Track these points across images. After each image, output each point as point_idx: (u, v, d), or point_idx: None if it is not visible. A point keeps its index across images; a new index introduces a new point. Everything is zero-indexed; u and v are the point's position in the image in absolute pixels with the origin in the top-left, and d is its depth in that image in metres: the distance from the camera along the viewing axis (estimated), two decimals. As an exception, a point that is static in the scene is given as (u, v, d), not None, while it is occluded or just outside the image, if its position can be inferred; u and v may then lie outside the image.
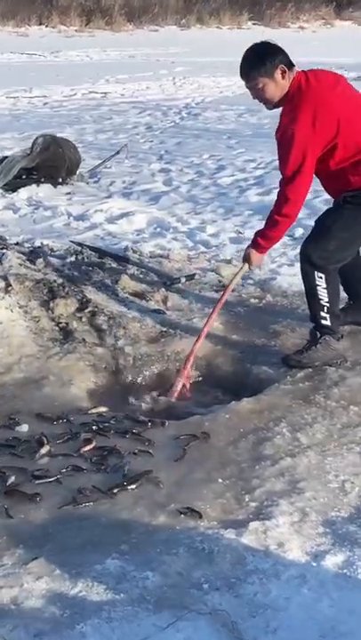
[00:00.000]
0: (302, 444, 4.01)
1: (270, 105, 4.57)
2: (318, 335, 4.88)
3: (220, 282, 6.23)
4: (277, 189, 4.65)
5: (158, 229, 7.76)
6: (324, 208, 7.89)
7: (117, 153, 10.61)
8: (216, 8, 35.72)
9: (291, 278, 6.32)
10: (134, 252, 6.79)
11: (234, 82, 19.67)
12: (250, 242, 4.87)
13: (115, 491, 3.65)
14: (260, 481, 3.71)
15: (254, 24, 36.35)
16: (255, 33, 33.74)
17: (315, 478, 3.73)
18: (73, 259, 6.30)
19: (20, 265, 5.62)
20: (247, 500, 3.58)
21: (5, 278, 5.38)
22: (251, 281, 6.27)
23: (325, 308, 4.81)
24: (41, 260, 5.88)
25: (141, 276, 6.22)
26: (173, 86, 19.40)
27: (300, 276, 6.12)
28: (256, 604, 2.95)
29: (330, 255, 4.75)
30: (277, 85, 4.37)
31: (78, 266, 6.09)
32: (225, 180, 9.90)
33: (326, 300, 4.80)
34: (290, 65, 4.41)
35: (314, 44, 31.08)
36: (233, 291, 5.32)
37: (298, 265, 6.30)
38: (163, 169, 10.57)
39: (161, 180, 9.92)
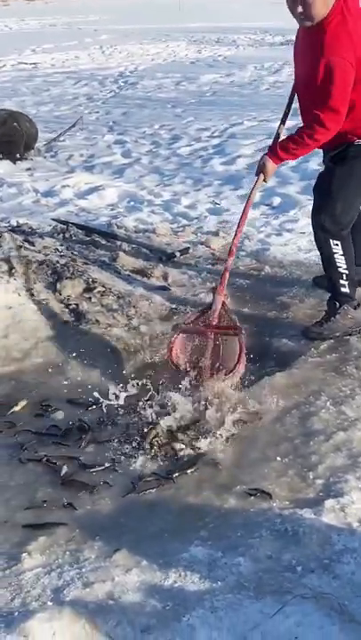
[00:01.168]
0: (349, 416, 3.97)
1: (309, 23, 4.29)
2: (337, 305, 4.83)
3: (213, 255, 6.15)
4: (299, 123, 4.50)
5: (132, 203, 7.64)
6: (295, 177, 7.96)
7: (73, 126, 10.41)
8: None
9: (283, 248, 6.29)
10: (119, 227, 6.65)
11: (162, 49, 19.55)
12: (266, 151, 4.66)
13: (175, 475, 3.55)
14: (319, 457, 3.67)
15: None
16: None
17: (373, 451, 3.69)
18: (61, 237, 6.10)
19: (20, 247, 5.42)
20: (312, 477, 3.53)
21: (8, 261, 5.19)
22: (243, 252, 6.21)
23: (344, 275, 4.79)
24: (40, 240, 5.68)
25: (134, 252, 6.10)
26: (103, 55, 19.12)
27: (291, 246, 6.17)
28: (357, 584, 2.92)
29: (339, 219, 4.72)
30: (325, 2, 4.21)
31: (72, 245, 5.92)
32: (184, 149, 9.80)
33: (345, 267, 4.77)
34: None
35: (235, 7, 31.01)
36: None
37: (286, 234, 6.38)
38: (117, 140, 10.41)
39: (119, 152, 9.78)
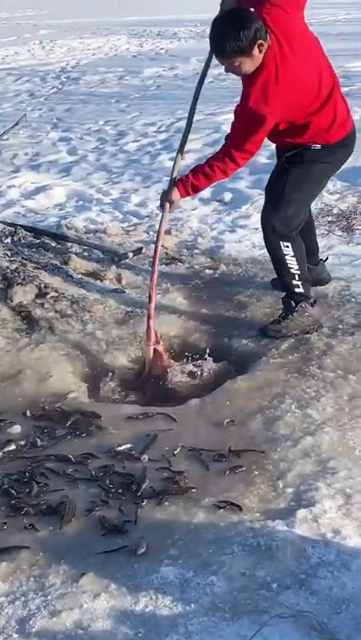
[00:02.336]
0: (316, 420, 3.87)
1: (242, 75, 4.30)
2: (293, 303, 4.74)
3: (166, 254, 6.01)
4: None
5: (81, 202, 7.47)
6: (244, 172, 7.85)
7: (17, 124, 10.16)
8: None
9: (237, 245, 6.19)
10: (68, 228, 6.48)
11: (103, 43, 19.34)
12: (172, 182, 4.58)
13: (140, 491, 3.41)
14: (288, 464, 3.56)
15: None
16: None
17: (342, 456, 3.61)
18: (9, 240, 5.92)
19: (-34, 252, 5.24)
20: (282, 485, 3.43)
21: None
22: (197, 250, 6.10)
23: (297, 275, 4.71)
24: (-12, 245, 5.51)
25: (86, 253, 5.96)
26: (43, 50, 18.83)
27: (245, 242, 6.07)
28: (336, 600, 2.82)
29: (290, 221, 4.65)
30: (254, 60, 4.11)
31: (21, 248, 5.73)
32: (131, 145, 9.64)
33: (296, 267, 4.70)
34: (265, 34, 4.09)
35: (172, 1, 30.84)
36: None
37: (240, 230, 6.27)
38: (62, 138, 10.21)
39: (65, 150, 9.58)
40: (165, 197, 4.58)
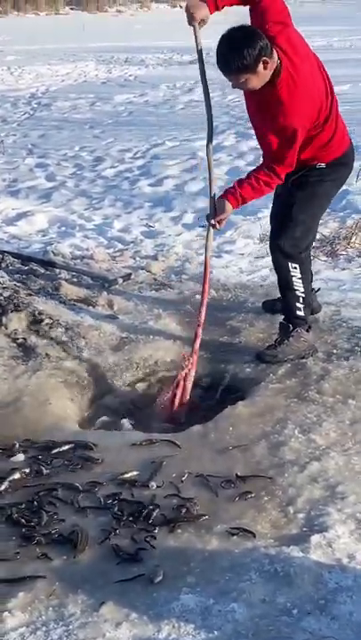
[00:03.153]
0: (320, 445, 3.90)
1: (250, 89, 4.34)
2: (290, 328, 4.78)
3: (155, 280, 6.04)
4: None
5: (63, 228, 7.47)
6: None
7: (-7, 150, 10.14)
8: (32, -6, 35.01)
9: (225, 270, 6.23)
10: (55, 254, 6.47)
11: (72, 69, 19.41)
12: (223, 193, 4.52)
13: (151, 518, 3.40)
14: (297, 489, 3.57)
15: (72, 9, 35.88)
16: (74, 18, 33.45)
17: (350, 480, 3.63)
18: (-2, 268, 5.91)
19: None
20: (292, 511, 3.43)
21: None
22: (186, 276, 6.13)
23: (301, 298, 4.77)
24: (-20, 272, 5.49)
25: (75, 280, 5.95)
26: (12, 76, 18.84)
27: (233, 268, 6.12)
28: (357, 625, 2.83)
29: (298, 242, 4.72)
30: (260, 77, 4.17)
31: (12, 275, 5.72)
32: (108, 171, 9.68)
33: (302, 290, 4.76)
34: (270, 51, 4.15)
35: (137, 27, 31.09)
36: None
37: (226, 256, 6.32)
38: (39, 164, 10.22)
39: (43, 176, 9.58)
40: (218, 212, 4.50)
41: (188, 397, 4.50)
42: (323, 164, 4.53)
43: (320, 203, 4.72)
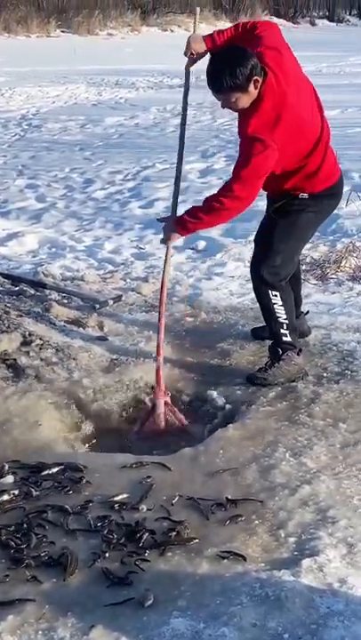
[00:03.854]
0: (311, 468, 3.89)
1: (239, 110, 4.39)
2: (280, 352, 4.78)
3: (145, 302, 6.04)
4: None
5: (54, 249, 7.48)
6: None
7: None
8: (23, 16, 35.10)
9: (215, 293, 6.24)
10: (45, 275, 6.47)
11: (62, 91, 19.46)
12: (172, 218, 4.61)
13: (141, 541, 3.38)
14: (287, 513, 3.56)
15: (63, 32, 36.02)
16: (65, 41, 33.58)
17: (341, 504, 3.62)
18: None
19: None
20: (283, 535, 3.42)
21: None
22: (176, 298, 6.12)
23: (285, 324, 4.76)
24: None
25: (65, 301, 5.95)
26: (2, 97, 18.84)
27: (223, 291, 6.12)
28: (350, 650, 2.79)
29: (279, 270, 4.70)
30: (250, 96, 4.22)
31: (2, 295, 5.71)
32: (99, 193, 9.68)
33: (285, 316, 4.75)
34: (261, 70, 4.21)
35: (127, 51, 31.20)
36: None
37: (216, 278, 6.33)
38: (29, 185, 10.21)
39: (33, 197, 9.58)
40: (164, 233, 4.66)
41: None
42: (305, 195, 4.54)
43: (301, 233, 4.73)
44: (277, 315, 4.74)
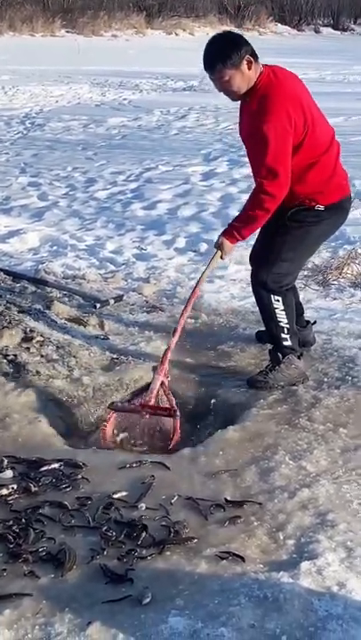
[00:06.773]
0: (310, 472, 3.89)
1: (236, 97, 4.41)
2: (280, 355, 4.78)
3: (146, 302, 6.03)
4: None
5: (55, 247, 7.47)
6: (217, 223, 7.92)
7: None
8: (28, 15, 35.11)
9: (216, 295, 6.23)
10: (47, 272, 6.46)
11: (66, 91, 19.47)
12: (223, 230, 4.63)
13: (140, 539, 3.37)
14: (286, 516, 3.56)
15: (68, 32, 36.04)
16: (69, 41, 33.59)
17: (340, 509, 3.61)
18: (-11, 284, 5.89)
19: None
20: (282, 537, 3.41)
21: None
22: (177, 300, 6.12)
23: (286, 329, 4.76)
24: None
25: (66, 299, 5.94)
26: (6, 96, 18.87)
27: (224, 293, 6.11)
28: (347, 654, 2.79)
29: (282, 278, 4.69)
30: (244, 77, 4.25)
31: (3, 292, 5.70)
32: (101, 193, 9.69)
33: (286, 321, 4.74)
34: (255, 56, 4.28)
35: (130, 53, 31.24)
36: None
37: (217, 281, 6.32)
38: (31, 183, 10.23)
39: (35, 195, 9.58)
40: (218, 246, 4.67)
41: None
42: (321, 207, 4.53)
43: (312, 245, 4.76)
44: (278, 319, 4.74)
